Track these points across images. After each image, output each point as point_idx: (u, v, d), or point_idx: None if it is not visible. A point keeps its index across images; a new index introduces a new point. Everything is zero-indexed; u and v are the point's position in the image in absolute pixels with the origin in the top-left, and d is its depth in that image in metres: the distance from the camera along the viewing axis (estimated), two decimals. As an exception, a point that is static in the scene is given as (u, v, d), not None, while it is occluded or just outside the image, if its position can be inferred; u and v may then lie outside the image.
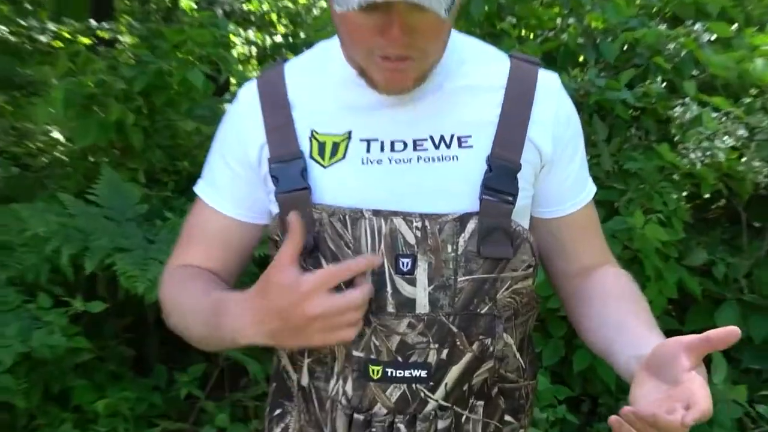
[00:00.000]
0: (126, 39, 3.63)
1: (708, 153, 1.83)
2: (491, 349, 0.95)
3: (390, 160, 0.95)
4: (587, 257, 1.07)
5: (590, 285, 1.03)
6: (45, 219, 2.00)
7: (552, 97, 1.00)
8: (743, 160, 1.85)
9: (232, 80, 3.44)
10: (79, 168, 2.62)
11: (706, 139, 1.84)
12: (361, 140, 0.96)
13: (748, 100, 1.87)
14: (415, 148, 0.95)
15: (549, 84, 1.01)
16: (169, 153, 2.69)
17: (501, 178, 0.94)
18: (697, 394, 0.72)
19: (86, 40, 3.25)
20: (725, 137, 1.81)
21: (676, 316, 2.14)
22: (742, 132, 1.82)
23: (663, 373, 0.77)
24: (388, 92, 0.93)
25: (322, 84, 1.01)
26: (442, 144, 0.95)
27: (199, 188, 1.08)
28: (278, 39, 5.34)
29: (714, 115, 1.88)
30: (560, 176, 1.02)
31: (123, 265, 1.90)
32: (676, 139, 2.00)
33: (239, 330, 0.89)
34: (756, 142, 1.84)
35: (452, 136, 0.95)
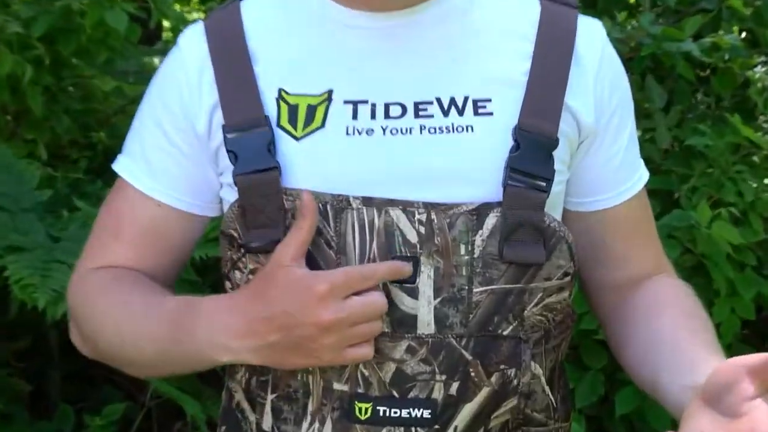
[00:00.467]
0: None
1: None
2: (515, 382, 0.96)
3: (384, 130, 0.95)
4: (636, 264, 1.09)
5: (637, 299, 1.04)
6: None
7: (595, 51, 1.02)
8: None
9: (166, 24, 3.42)
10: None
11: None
12: (346, 102, 0.97)
13: None
14: (417, 115, 0.96)
15: (591, 34, 1.03)
16: (80, 121, 2.66)
17: (532, 156, 0.95)
18: (762, 428, 0.72)
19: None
20: None
21: (755, 343, 2.16)
22: None
23: (721, 402, 0.76)
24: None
25: (293, 26, 1.02)
26: (453, 109, 0.96)
27: (120, 166, 1.08)
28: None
29: None
30: (604, 156, 1.04)
31: (17, 270, 1.86)
32: (756, 108, 2.02)
33: (222, 344, 0.90)
34: None
35: (466, 99, 0.96)
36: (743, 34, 2.17)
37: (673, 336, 0.95)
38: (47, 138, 2.58)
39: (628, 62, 2.24)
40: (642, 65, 2.20)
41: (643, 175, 1.10)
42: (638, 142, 1.11)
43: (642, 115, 2.10)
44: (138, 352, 1.00)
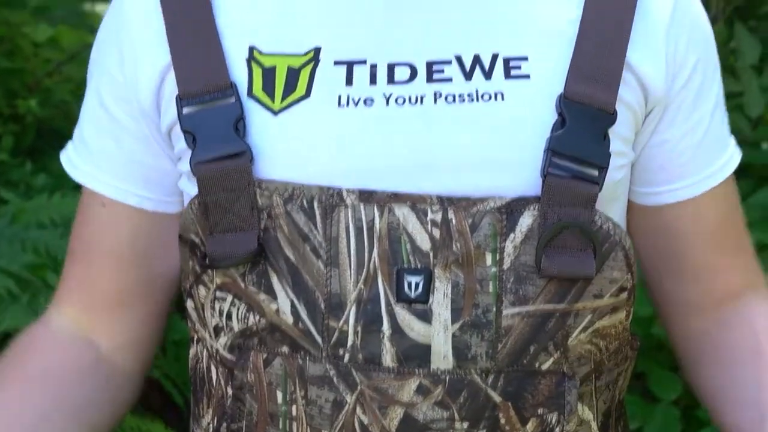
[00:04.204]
0: None
1: None
2: (557, 430, 0.96)
3: (387, 99, 0.94)
4: (722, 277, 1.09)
5: (729, 331, 1.03)
6: None
7: None
8: None
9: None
10: None
11: None
12: (337, 63, 0.96)
13: None
14: (430, 78, 0.95)
15: None
16: (4, 83, 2.67)
17: (581, 135, 0.93)
18: None
19: None
20: None
21: None
22: None
23: None
24: None
25: None
26: (478, 70, 0.95)
27: (65, 158, 1.09)
28: None
29: None
30: (680, 131, 1.03)
31: None
32: None
33: None
34: None
35: (495, 58, 0.95)
36: None
37: None
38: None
39: (709, 2, 2.24)
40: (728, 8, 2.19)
41: (734, 155, 1.09)
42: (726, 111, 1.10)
43: (728, 73, 2.09)
44: None
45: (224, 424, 1.01)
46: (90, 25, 2.86)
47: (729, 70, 2.13)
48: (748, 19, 2.23)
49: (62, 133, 2.58)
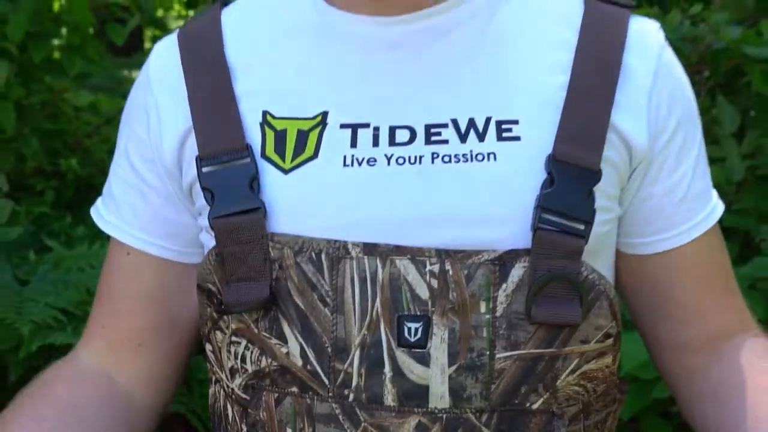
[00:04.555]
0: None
1: None
2: (548, 467, 0.95)
3: (389, 159, 0.94)
4: (713, 319, 1.08)
5: (722, 369, 1.02)
6: None
7: (650, 60, 1.01)
8: None
9: (148, 32, 3.46)
10: None
11: None
12: (343, 126, 0.96)
13: None
14: (428, 140, 0.95)
15: (645, 38, 1.02)
16: (47, 144, 2.68)
17: (568, 193, 0.93)
18: None
19: None
20: None
21: None
22: None
23: None
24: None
25: (282, 35, 1.02)
26: (472, 133, 0.95)
27: (95, 211, 1.10)
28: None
29: None
30: (664, 185, 1.03)
31: None
32: None
33: None
34: None
35: (488, 121, 0.95)
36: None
37: None
38: (10, 164, 2.56)
39: (694, 76, 2.25)
40: (717, 75, 2.19)
41: (716, 207, 1.08)
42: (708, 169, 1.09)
43: (709, 140, 2.09)
44: None
45: None
46: (126, 91, 2.88)
47: (711, 137, 2.13)
48: (729, 92, 2.23)
49: (99, 189, 2.59)
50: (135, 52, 3.80)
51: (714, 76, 2.18)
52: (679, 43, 2.05)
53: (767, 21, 2.16)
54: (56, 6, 2.62)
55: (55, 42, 2.66)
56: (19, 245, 2.28)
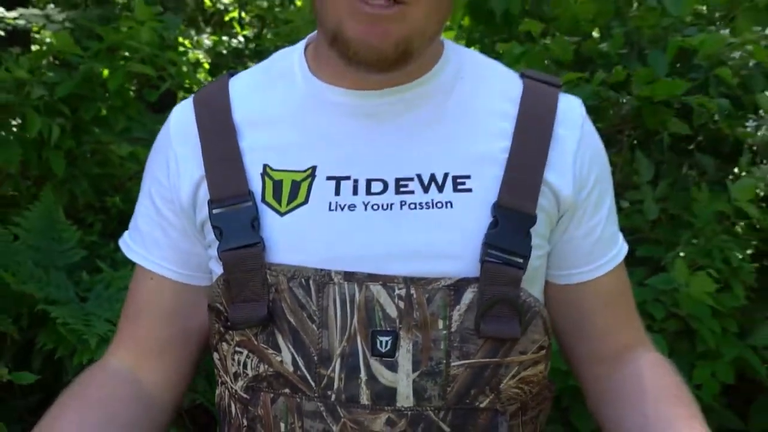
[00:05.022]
0: (46, 35, 3.63)
1: None
2: (493, 454, 0.95)
3: (365, 206, 0.94)
4: (616, 337, 1.08)
5: (622, 379, 1.02)
6: None
7: (574, 130, 1.01)
8: None
9: (178, 96, 3.46)
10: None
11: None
12: (329, 178, 0.96)
13: None
14: (397, 191, 0.95)
15: (571, 112, 1.03)
16: (96, 185, 2.68)
17: (509, 233, 0.93)
18: None
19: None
20: None
21: (737, 408, 2.13)
22: None
23: None
24: (364, 52, 0.89)
25: (279, 103, 1.02)
26: (433, 186, 0.95)
27: (123, 242, 1.09)
28: (239, 42, 5.40)
29: None
30: (584, 230, 1.03)
31: (63, 316, 1.90)
32: (743, 175, 2.02)
33: None
34: None
35: (446, 176, 0.95)
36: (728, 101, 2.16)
37: (663, 426, 0.92)
38: (66, 201, 2.58)
39: (617, 135, 2.26)
40: (633, 136, 2.20)
41: (622, 249, 1.09)
42: (628, 212, 1.11)
43: (631, 186, 2.10)
44: None
45: None
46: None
47: (632, 184, 2.14)
48: (645, 148, 2.25)
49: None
50: (168, 110, 3.79)
51: (633, 136, 2.19)
52: (605, 103, 2.08)
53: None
54: (105, 73, 2.62)
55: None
56: (76, 267, 2.27)
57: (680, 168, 2.22)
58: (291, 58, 1.04)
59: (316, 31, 1.02)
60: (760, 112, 1.95)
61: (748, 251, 2.00)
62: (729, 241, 1.98)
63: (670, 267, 1.99)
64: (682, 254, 1.97)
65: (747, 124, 1.96)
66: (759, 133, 1.92)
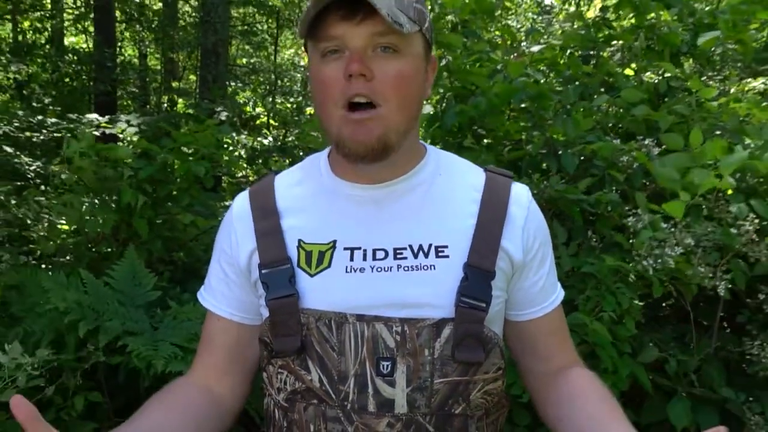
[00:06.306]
0: (128, 134, 3.65)
1: (659, 261, 1.86)
2: (464, 448, 0.93)
3: (372, 268, 0.94)
4: (557, 358, 1.07)
5: (564, 387, 1.02)
6: (63, 294, 1.97)
7: (523, 209, 1.01)
8: (692, 264, 1.88)
9: (224, 179, 3.48)
10: (84, 258, 2.59)
11: (658, 246, 1.88)
12: (345, 249, 0.96)
13: (691, 201, 1.90)
14: (395, 257, 0.95)
15: (520, 196, 1.03)
16: (166, 244, 2.67)
17: (476, 285, 0.93)
18: None
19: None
20: (675, 246, 1.85)
21: (632, 407, 2.12)
22: (689, 241, 1.86)
23: None
24: (355, 149, 0.90)
25: (309, 194, 1.02)
26: (421, 253, 0.95)
27: (200, 294, 1.09)
28: (268, 141, 5.44)
29: (664, 225, 1.92)
30: (530, 282, 1.03)
31: (135, 346, 1.87)
32: (630, 241, 2.03)
33: None
34: (701, 248, 1.88)
35: (430, 246, 0.95)
36: (619, 193, 2.19)
37: (599, 418, 0.91)
38: (145, 256, 2.56)
39: (545, 212, 2.27)
40: (550, 212, 2.22)
41: (560, 294, 1.09)
42: (555, 269, 1.10)
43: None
44: None
45: None
46: (212, 215, 2.88)
47: (553, 245, 2.14)
48: (561, 219, 2.27)
49: (198, 272, 2.59)
50: (217, 190, 3.81)
51: (551, 210, 2.21)
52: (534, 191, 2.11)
53: (583, 180, 2.22)
54: (176, 164, 2.64)
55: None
56: (152, 305, 2.24)
57: (586, 233, 2.23)
58: (318, 161, 1.05)
59: None
60: (639, 210, 1.98)
61: (638, 293, 2.00)
62: (622, 288, 1.99)
63: (581, 307, 1.99)
64: (590, 295, 1.97)
65: (628, 219, 1.99)
66: (639, 225, 1.94)
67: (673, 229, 1.88)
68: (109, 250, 2.60)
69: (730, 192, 1.96)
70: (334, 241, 0.97)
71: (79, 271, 2.17)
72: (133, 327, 1.99)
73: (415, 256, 0.95)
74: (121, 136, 3.34)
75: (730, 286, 1.87)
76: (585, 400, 0.96)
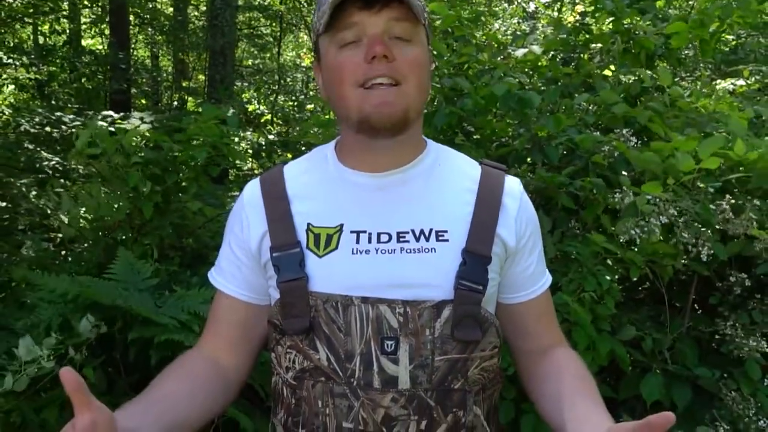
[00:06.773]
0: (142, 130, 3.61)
1: (645, 230, 1.84)
2: (463, 420, 0.91)
3: (376, 251, 0.92)
4: (543, 338, 1.05)
5: (547, 365, 1.00)
6: (66, 287, 1.94)
7: (516, 200, 1.00)
8: (675, 233, 1.86)
9: (230, 171, 3.44)
10: (100, 243, 2.55)
11: (642, 219, 1.86)
12: (352, 232, 0.94)
13: (673, 182, 1.88)
14: (398, 240, 0.93)
15: (513, 188, 1.01)
16: (177, 231, 2.62)
17: (473, 269, 0.92)
18: None
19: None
20: (660, 216, 1.83)
21: (611, 383, 2.11)
22: (672, 211, 1.84)
23: None
24: (379, 120, 0.88)
25: (317, 182, 1.00)
26: (422, 237, 0.93)
27: (210, 275, 1.06)
28: (271, 137, 5.41)
29: (648, 198, 1.90)
30: (522, 267, 1.01)
31: (140, 312, 1.85)
32: (612, 229, 2.01)
33: None
34: (684, 220, 1.86)
35: (431, 230, 0.93)
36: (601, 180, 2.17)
37: (572, 395, 0.89)
38: (156, 242, 2.53)
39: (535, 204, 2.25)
40: (536, 202, 2.19)
41: (548, 279, 1.07)
42: (544, 256, 1.08)
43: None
44: None
45: (289, 418, 0.95)
46: (219, 204, 2.85)
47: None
48: (546, 209, 2.25)
49: (207, 258, 2.56)
50: (224, 180, 3.77)
51: (538, 200, 2.19)
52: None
53: (567, 168, 2.19)
54: (181, 155, 2.60)
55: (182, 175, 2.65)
56: (159, 288, 2.21)
57: (569, 221, 2.21)
58: (325, 151, 1.03)
59: (339, 136, 1.01)
60: (624, 188, 1.95)
61: (616, 276, 1.98)
62: (602, 270, 1.97)
63: (564, 288, 1.97)
64: (572, 278, 1.95)
65: (614, 195, 1.96)
66: (625, 201, 1.92)
67: (656, 207, 1.86)
68: (123, 237, 2.56)
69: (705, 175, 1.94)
70: (341, 225, 0.94)
71: (76, 278, 2.14)
72: (139, 309, 1.97)
73: (417, 239, 0.93)
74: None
75: (711, 251, 1.84)
76: (561, 378, 0.95)
